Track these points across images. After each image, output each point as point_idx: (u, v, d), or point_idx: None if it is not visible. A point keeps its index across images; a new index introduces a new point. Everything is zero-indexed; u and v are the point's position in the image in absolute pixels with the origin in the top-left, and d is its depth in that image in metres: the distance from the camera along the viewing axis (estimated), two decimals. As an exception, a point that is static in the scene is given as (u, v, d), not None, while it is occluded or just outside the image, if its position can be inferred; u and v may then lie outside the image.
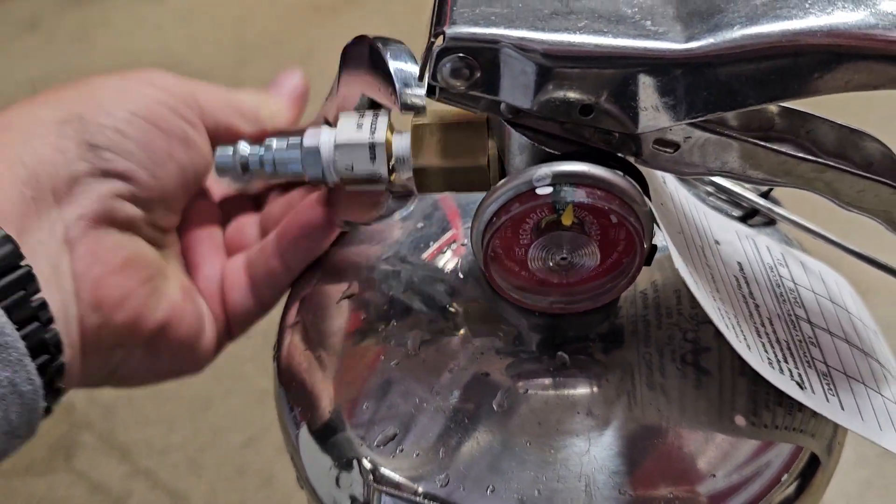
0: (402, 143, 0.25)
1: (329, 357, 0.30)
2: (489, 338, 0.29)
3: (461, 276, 0.31)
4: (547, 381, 0.28)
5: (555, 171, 0.22)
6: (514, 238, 0.24)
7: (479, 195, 0.25)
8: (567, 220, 0.23)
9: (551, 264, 0.24)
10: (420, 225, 0.33)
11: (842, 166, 0.24)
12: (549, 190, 0.22)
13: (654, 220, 0.24)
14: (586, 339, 0.29)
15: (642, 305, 0.29)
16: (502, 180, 0.23)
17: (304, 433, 0.30)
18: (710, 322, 0.29)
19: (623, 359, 0.28)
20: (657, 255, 0.26)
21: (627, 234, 0.23)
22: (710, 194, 0.32)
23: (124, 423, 0.82)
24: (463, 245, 0.32)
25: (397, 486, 0.27)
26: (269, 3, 1.32)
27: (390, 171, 0.25)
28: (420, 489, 0.26)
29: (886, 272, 0.28)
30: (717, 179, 0.31)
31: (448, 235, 0.33)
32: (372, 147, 0.25)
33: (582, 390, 0.28)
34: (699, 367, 0.28)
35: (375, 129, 0.25)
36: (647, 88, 0.22)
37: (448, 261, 0.32)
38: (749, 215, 0.31)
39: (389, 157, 0.25)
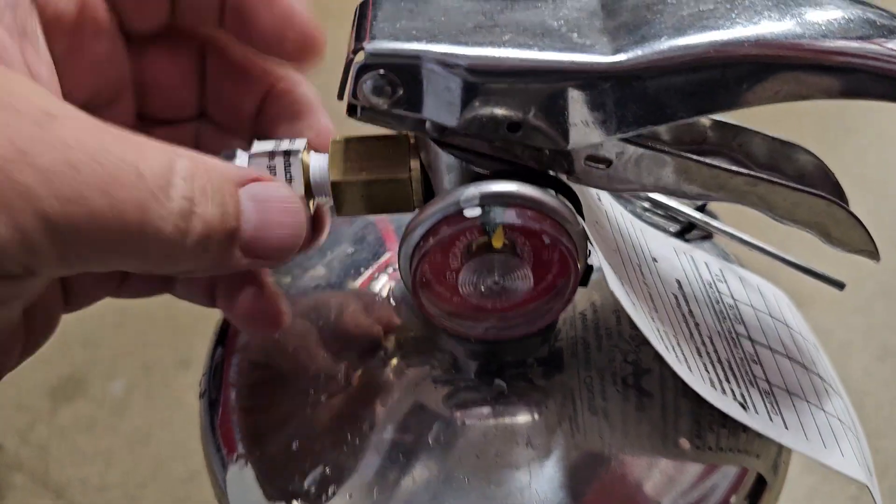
0: (319, 162, 0.24)
1: (257, 393, 0.29)
2: (424, 367, 0.28)
3: (394, 302, 0.29)
4: (485, 410, 0.27)
5: (483, 192, 0.21)
6: (444, 262, 0.22)
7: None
8: (497, 242, 0.22)
9: (483, 289, 0.23)
10: (350, 251, 0.32)
11: (774, 179, 0.24)
12: (477, 211, 0.21)
13: (588, 239, 0.23)
14: (525, 364, 0.28)
15: (581, 327, 0.29)
16: (429, 202, 0.22)
17: (231, 474, 0.28)
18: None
19: (563, 383, 0.27)
20: (595, 276, 0.25)
21: (561, 255, 0.22)
22: (646, 210, 0.31)
23: (58, 462, 0.78)
24: (396, 269, 0.31)
25: (329, 528, 0.25)
26: None
27: (308, 194, 0.24)
28: (354, 531, 0.25)
29: (823, 281, 0.28)
30: (653, 195, 0.31)
31: (383, 259, 0.32)
32: (288, 158, 0.23)
33: (522, 419, 0.26)
34: (641, 390, 0.27)
35: (294, 142, 0.24)
36: (575, 103, 0.21)
37: (382, 286, 0.30)
38: (686, 230, 0.30)
39: (308, 181, 0.24)
